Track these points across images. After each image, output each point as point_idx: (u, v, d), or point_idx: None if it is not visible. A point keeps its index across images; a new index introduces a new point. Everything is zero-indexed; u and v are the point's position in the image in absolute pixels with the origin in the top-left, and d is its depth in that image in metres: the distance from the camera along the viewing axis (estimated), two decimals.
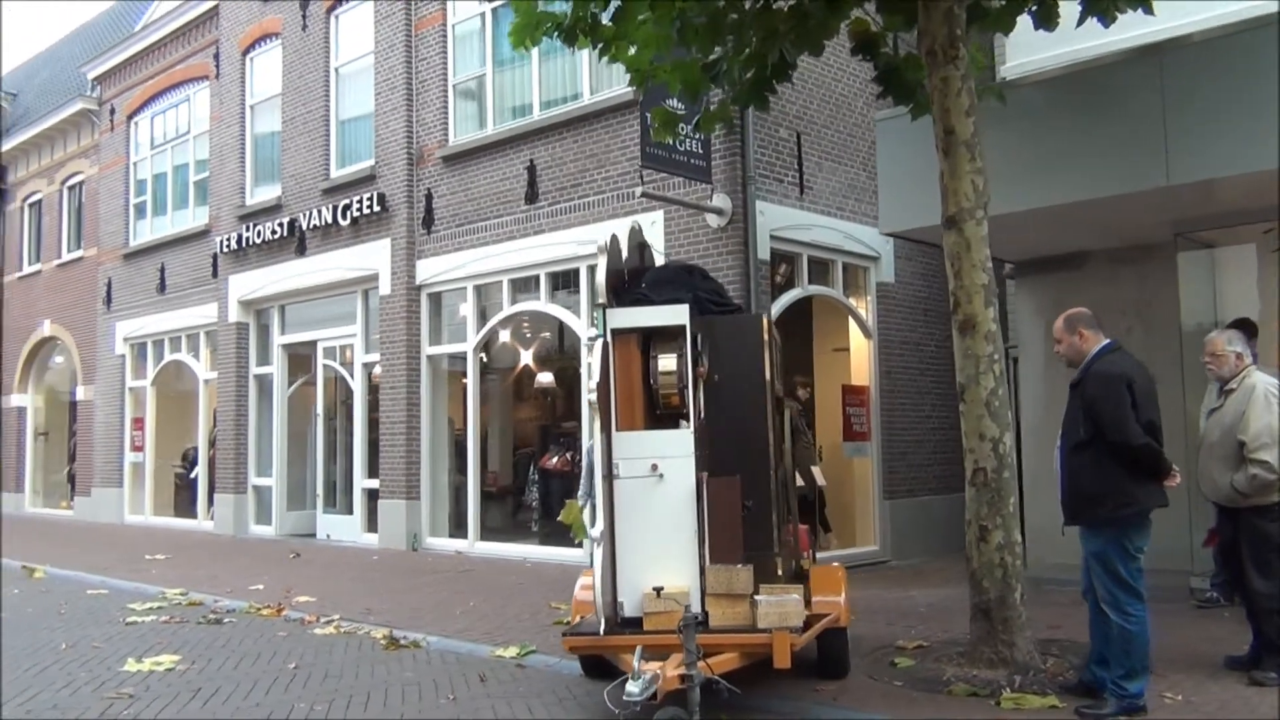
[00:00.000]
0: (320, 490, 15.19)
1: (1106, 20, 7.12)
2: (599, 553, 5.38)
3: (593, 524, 5.69)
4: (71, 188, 21.75)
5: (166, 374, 18.69)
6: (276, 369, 15.92)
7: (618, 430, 5.64)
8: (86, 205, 21.01)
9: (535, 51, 11.82)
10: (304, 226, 15.01)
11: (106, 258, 19.91)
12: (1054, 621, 7.60)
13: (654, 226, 10.99)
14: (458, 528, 13.23)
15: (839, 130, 11.70)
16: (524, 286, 12.55)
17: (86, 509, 20.15)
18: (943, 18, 6.71)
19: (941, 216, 6.80)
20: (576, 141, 11.84)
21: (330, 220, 14.53)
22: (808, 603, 6.25)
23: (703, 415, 6.00)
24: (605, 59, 7.83)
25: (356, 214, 14.14)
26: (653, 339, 5.76)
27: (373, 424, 14.18)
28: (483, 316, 13.05)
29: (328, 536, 14.85)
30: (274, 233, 15.47)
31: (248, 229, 16.03)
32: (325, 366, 15.18)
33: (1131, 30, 8.30)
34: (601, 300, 5.69)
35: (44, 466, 23.03)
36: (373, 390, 14.25)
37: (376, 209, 13.88)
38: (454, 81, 13.50)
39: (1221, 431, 6.19)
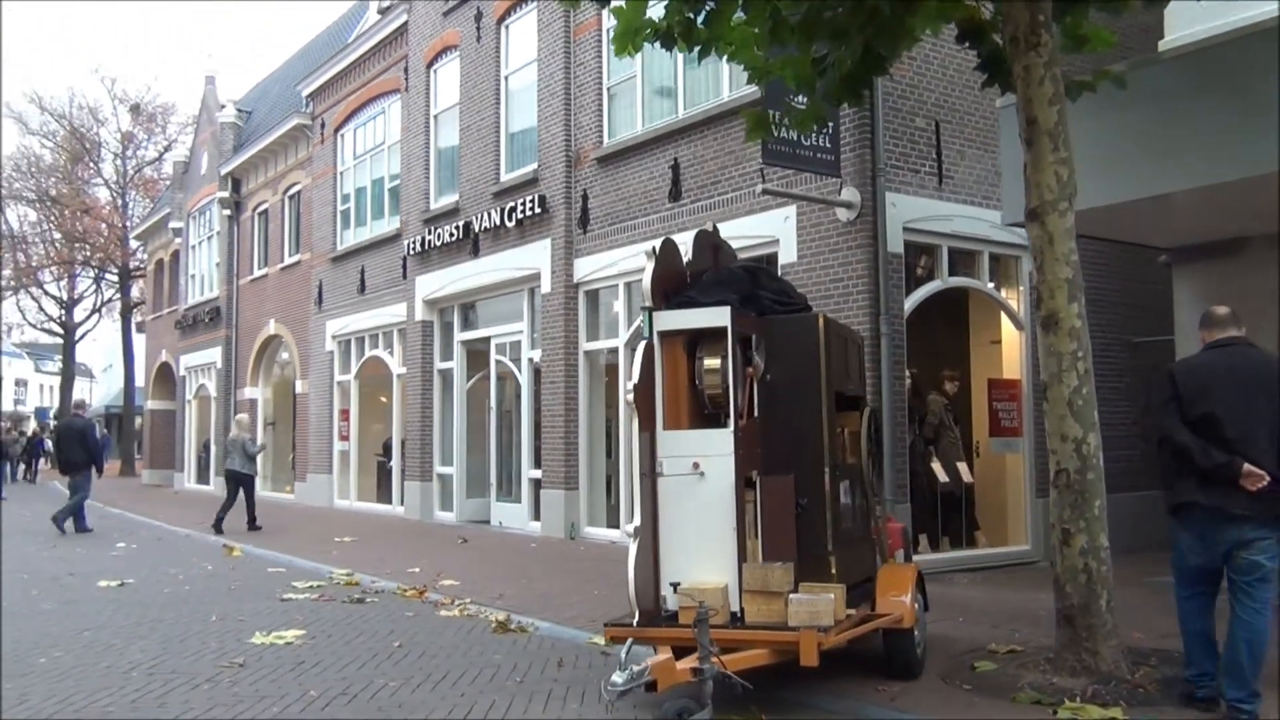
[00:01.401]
0: (494, 479, 15.99)
1: None
2: (633, 547, 5.58)
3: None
4: (291, 197, 23.67)
5: (367, 369, 20.10)
6: (456, 364, 16.87)
7: (665, 429, 5.82)
8: (303, 213, 22.83)
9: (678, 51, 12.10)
10: (477, 229, 15.83)
11: (318, 261, 21.58)
12: (1171, 629, 7.18)
13: (787, 222, 11.03)
14: (613, 518, 13.65)
15: (984, 117, 11.31)
16: None
17: (304, 493, 21.95)
18: (1024, 4, 6.48)
19: (1025, 209, 6.58)
20: (716, 139, 11.98)
21: (499, 222, 15.26)
22: (872, 603, 6.25)
23: (757, 414, 6.10)
24: (702, 60, 8.00)
25: (521, 215, 14.79)
26: (700, 340, 5.89)
27: (538, 417, 14.80)
28: (634, 312, 13.39)
29: (500, 523, 15.63)
30: (452, 235, 16.39)
31: (429, 232, 17.05)
32: (498, 362, 15.95)
33: None
34: (647, 304, 5.87)
35: (273, 453, 25.14)
36: (538, 384, 14.87)
37: (538, 210, 14.49)
38: (608, 85, 13.90)
39: None
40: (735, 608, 5.62)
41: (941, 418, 11.62)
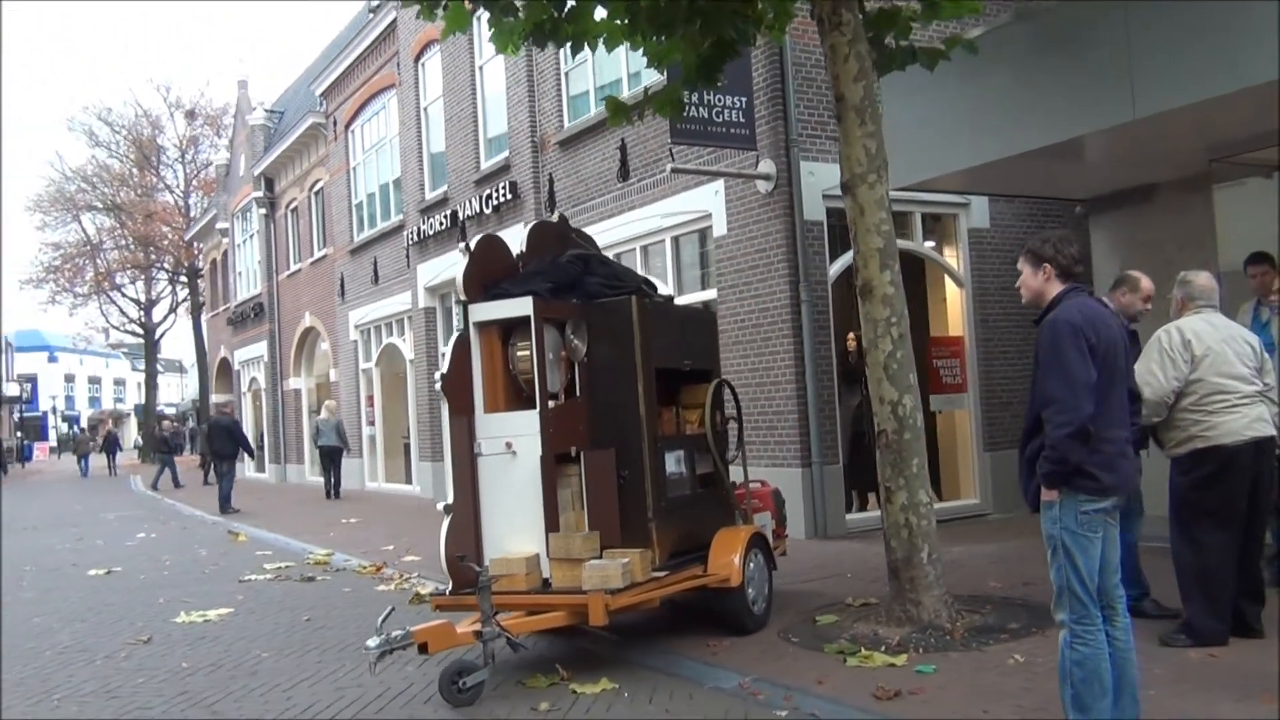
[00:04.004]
0: None
1: None
2: (445, 523, 6.08)
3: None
4: (316, 193, 24.56)
5: (385, 356, 20.90)
6: None
7: (485, 412, 6.28)
8: (325, 209, 23.69)
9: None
10: (463, 217, 16.40)
11: (339, 254, 22.44)
12: (1035, 576, 7.40)
13: (716, 196, 11.34)
14: None
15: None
16: (628, 261, 13.14)
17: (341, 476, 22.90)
18: None
19: (839, 181, 6.85)
20: (655, 119, 12.20)
21: (479, 210, 15.81)
22: (706, 565, 6.65)
23: (581, 394, 6.53)
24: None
25: (497, 202, 15.32)
26: (514, 328, 6.32)
27: None
28: None
29: None
30: (442, 224, 17.00)
31: (424, 222, 17.69)
32: None
33: None
34: (462, 298, 6.33)
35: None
36: None
37: (510, 197, 14.98)
38: (565, 69, 14.27)
39: None
40: (548, 574, 6.08)
41: None
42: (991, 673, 5.41)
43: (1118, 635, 4.17)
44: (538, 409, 6.12)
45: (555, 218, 7.41)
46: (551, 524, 6.08)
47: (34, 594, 9.98)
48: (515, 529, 6.17)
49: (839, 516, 10.64)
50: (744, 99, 10.61)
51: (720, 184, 11.24)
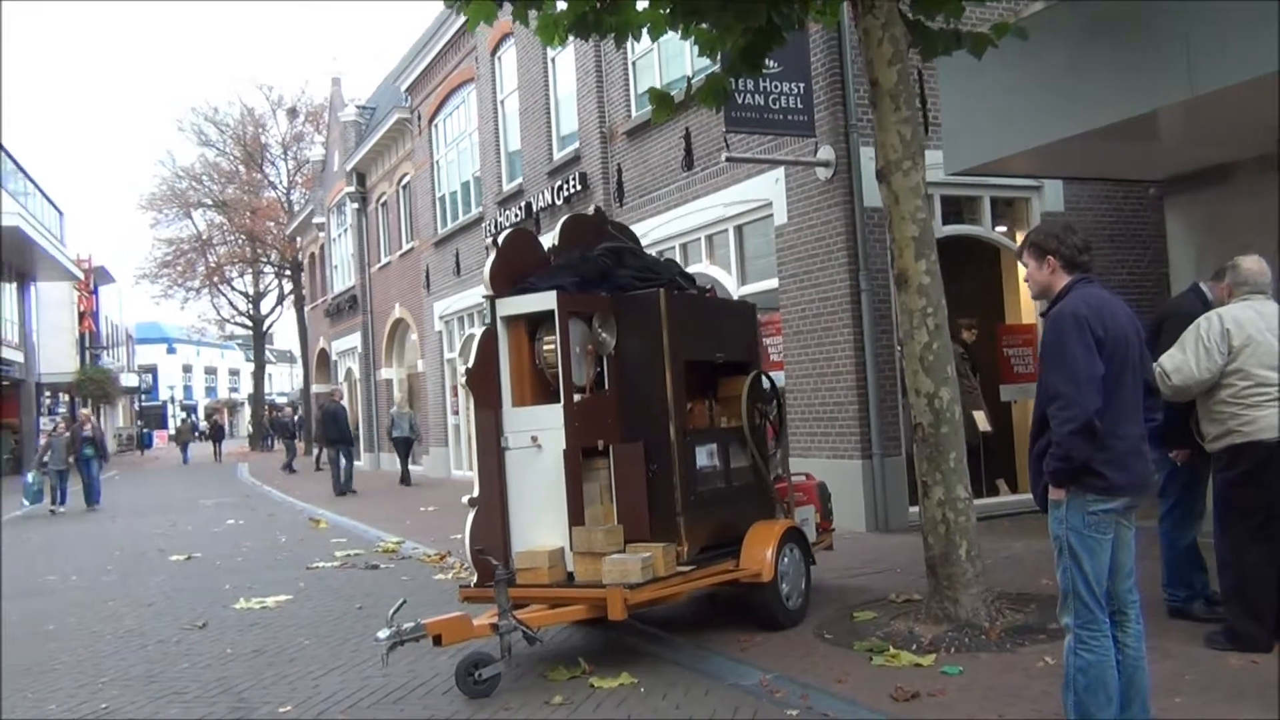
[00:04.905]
0: None
1: None
2: (470, 516, 6.14)
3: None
4: (404, 188, 25.02)
5: (469, 347, 21.14)
6: None
7: (512, 406, 6.32)
8: (412, 202, 24.12)
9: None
10: (536, 208, 16.52)
11: (424, 247, 22.83)
12: None
13: (777, 184, 11.19)
14: None
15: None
16: (693, 251, 13.11)
17: (429, 465, 23.37)
18: None
19: (875, 169, 6.69)
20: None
21: (551, 201, 15.91)
22: (739, 559, 6.58)
23: (609, 387, 6.51)
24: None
25: (568, 193, 15.39)
26: (541, 322, 6.34)
27: None
28: None
29: None
30: (517, 215, 17.14)
31: (501, 214, 17.87)
32: None
33: None
34: (488, 292, 6.37)
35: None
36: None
37: (579, 187, 15.04)
38: (633, 59, 14.25)
39: None
40: (572, 568, 6.09)
41: (958, 367, 11.53)
42: (1018, 674, 5.25)
43: (1128, 642, 3.99)
44: (563, 403, 6.13)
45: (591, 211, 7.40)
46: (576, 518, 6.08)
47: (114, 578, 10.42)
48: (541, 522, 6.19)
49: (901, 509, 10.42)
50: (802, 84, 10.44)
51: (781, 172, 11.09)
